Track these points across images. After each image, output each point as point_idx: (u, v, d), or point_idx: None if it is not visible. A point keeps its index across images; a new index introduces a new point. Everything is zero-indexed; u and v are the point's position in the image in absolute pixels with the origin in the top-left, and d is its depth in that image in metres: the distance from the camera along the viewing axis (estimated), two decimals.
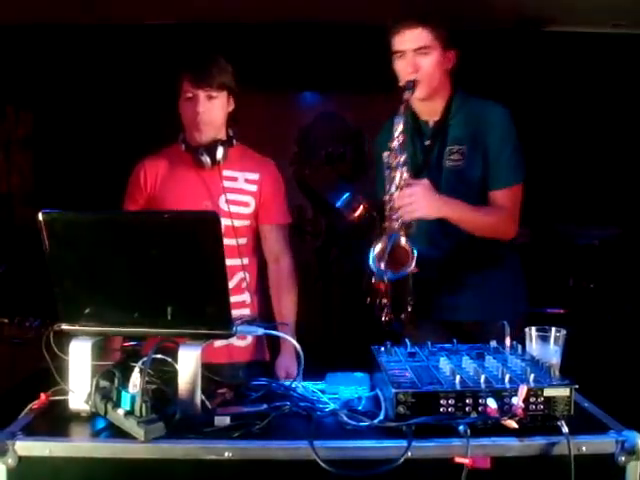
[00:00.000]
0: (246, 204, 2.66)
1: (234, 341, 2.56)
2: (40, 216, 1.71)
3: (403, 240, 2.45)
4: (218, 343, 2.44)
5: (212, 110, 2.55)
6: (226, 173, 2.63)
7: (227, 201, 2.59)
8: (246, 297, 2.66)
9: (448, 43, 2.63)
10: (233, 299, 2.37)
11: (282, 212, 2.76)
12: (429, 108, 2.69)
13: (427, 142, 2.69)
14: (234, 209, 2.61)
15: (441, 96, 2.67)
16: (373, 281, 2.49)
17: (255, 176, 2.69)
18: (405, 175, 2.47)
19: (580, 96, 4.96)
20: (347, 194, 4.95)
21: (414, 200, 2.41)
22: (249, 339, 2.64)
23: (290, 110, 5.58)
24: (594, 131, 4.94)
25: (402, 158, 2.46)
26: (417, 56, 2.58)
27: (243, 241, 2.65)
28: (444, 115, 2.67)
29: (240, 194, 2.65)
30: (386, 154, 2.51)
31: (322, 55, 5.19)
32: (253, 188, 2.68)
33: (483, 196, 2.62)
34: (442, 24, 2.63)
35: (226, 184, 2.61)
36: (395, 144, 2.48)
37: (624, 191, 4.98)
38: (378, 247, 2.48)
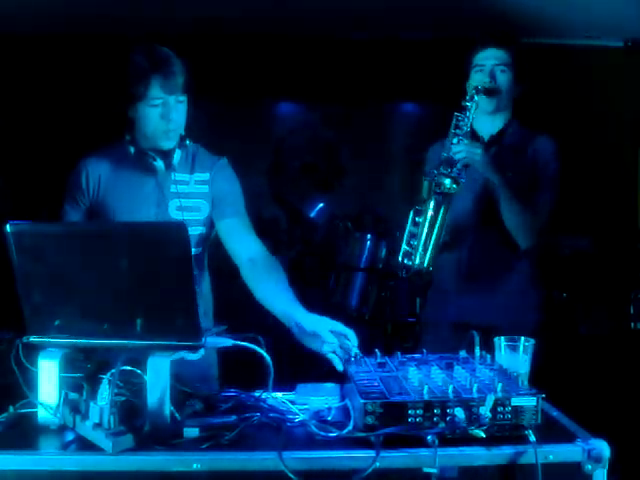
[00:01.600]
0: (198, 209, 2.50)
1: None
2: (8, 228, 1.70)
3: (448, 180, 2.73)
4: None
5: (181, 115, 2.42)
6: (176, 177, 2.48)
7: (180, 207, 2.45)
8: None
9: (521, 74, 2.94)
10: None
11: (239, 207, 2.55)
12: (489, 123, 2.97)
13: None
14: (186, 215, 2.45)
15: (503, 115, 2.96)
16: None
17: (205, 176, 2.53)
18: (468, 137, 2.80)
19: (552, 107, 4.99)
20: (321, 205, 4.99)
21: (475, 149, 2.75)
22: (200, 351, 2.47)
23: (265, 121, 5.58)
24: (567, 141, 4.97)
25: (469, 122, 2.79)
26: (496, 71, 2.87)
27: (197, 251, 2.50)
28: (501, 131, 2.96)
29: (191, 198, 2.50)
30: (457, 115, 2.81)
31: (298, 66, 5.20)
32: (204, 189, 2.52)
33: None
34: (520, 54, 2.95)
35: (177, 189, 2.47)
36: (468, 107, 2.80)
37: (595, 201, 5.02)
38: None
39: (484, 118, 2.94)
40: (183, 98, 2.40)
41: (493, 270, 2.90)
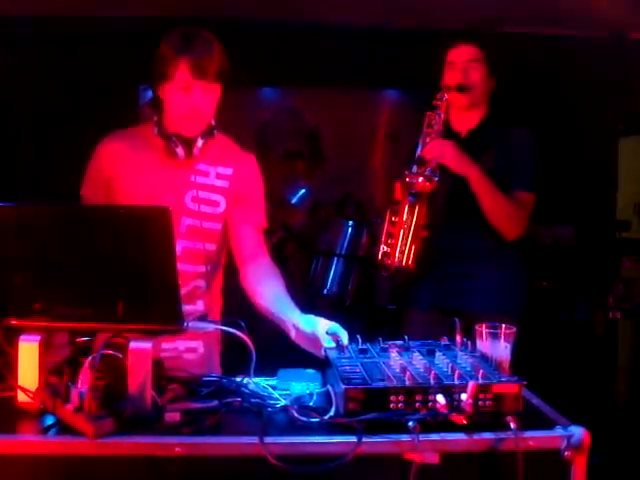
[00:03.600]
0: (215, 203, 2.39)
1: (183, 353, 2.36)
2: None
3: (421, 178, 2.79)
4: (167, 354, 2.23)
5: (208, 104, 2.27)
6: (198, 167, 2.37)
7: (196, 199, 2.35)
8: (198, 308, 2.38)
9: (493, 67, 2.99)
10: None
11: (257, 213, 2.45)
12: (466, 119, 3.01)
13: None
14: (203, 208, 2.36)
15: (479, 110, 3.01)
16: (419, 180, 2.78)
17: (228, 171, 2.41)
18: (440, 135, 2.86)
19: (532, 97, 5.01)
20: (303, 190, 4.97)
21: (445, 147, 2.81)
22: (199, 351, 2.40)
23: (248, 105, 5.54)
24: (547, 131, 4.99)
25: (441, 120, 2.86)
26: (468, 67, 2.92)
27: (210, 247, 2.39)
28: (478, 126, 3.00)
29: (210, 191, 2.38)
30: (428, 113, 2.88)
31: (281, 51, 5.17)
32: (224, 184, 2.40)
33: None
34: (491, 48, 3.01)
35: (196, 179, 2.36)
36: (440, 103, 2.86)
37: (575, 191, 5.05)
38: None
39: (460, 114, 2.99)
40: (215, 87, 2.27)
41: (476, 257, 2.92)
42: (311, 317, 2.10)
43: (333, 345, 1.98)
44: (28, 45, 5.02)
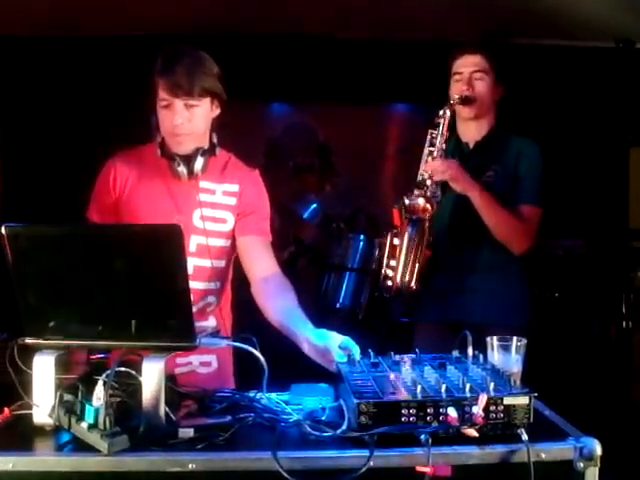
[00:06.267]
0: (223, 220, 2.42)
1: (197, 368, 2.41)
2: (3, 230, 1.70)
3: (421, 200, 2.78)
4: (181, 369, 2.31)
5: (192, 120, 2.29)
6: (203, 185, 2.39)
7: (202, 217, 2.37)
8: (210, 324, 2.44)
9: (500, 77, 2.96)
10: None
11: (262, 225, 2.48)
12: (473, 129, 3.00)
13: (465, 160, 2.94)
14: (209, 226, 2.39)
15: (486, 120, 2.99)
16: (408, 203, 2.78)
17: (234, 188, 2.44)
18: (442, 153, 2.86)
19: (542, 108, 5.01)
20: (314, 205, 4.98)
21: (448, 166, 2.80)
22: (213, 365, 2.45)
23: (259, 121, 5.58)
24: (557, 142, 5.00)
25: (444, 138, 2.86)
26: (473, 78, 2.90)
27: (219, 264, 2.44)
28: (485, 138, 2.98)
29: (217, 209, 2.41)
30: (430, 131, 2.87)
31: (291, 67, 5.20)
32: (231, 201, 2.43)
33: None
34: (498, 57, 2.99)
35: (202, 197, 2.38)
36: (441, 122, 2.86)
37: (587, 202, 5.04)
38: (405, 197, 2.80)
39: (467, 125, 3.00)
40: (196, 103, 2.28)
41: (484, 270, 2.92)
42: (323, 331, 2.10)
43: (345, 359, 1.99)
44: (34, 65, 5.08)
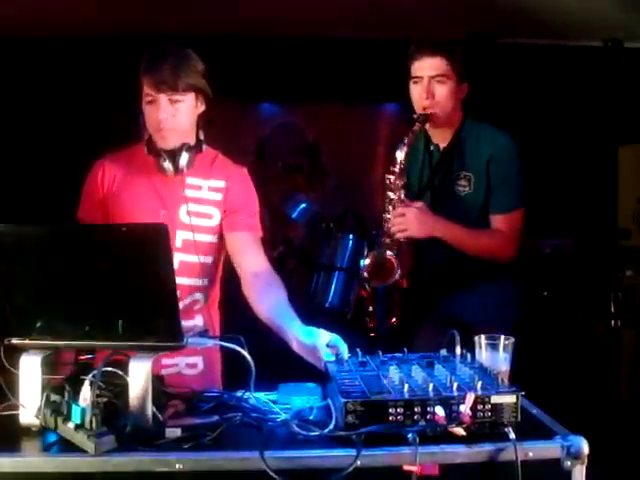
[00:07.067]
0: (209, 216, 2.44)
1: (183, 369, 2.41)
2: None
3: (390, 253, 2.71)
4: (168, 370, 2.30)
5: (176, 115, 2.31)
6: (189, 181, 2.41)
7: (188, 212, 2.39)
8: (198, 322, 2.44)
9: (463, 75, 2.78)
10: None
11: (252, 221, 2.49)
12: (440, 134, 2.85)
13: (435, 166, 2.85)
14: (196, 221, 2.40)
15: (452, 123, 2.83)
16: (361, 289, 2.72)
17: (220, 184, 2.46)
18: (402, 197, 2.74)
19: (530, 107, 5.03)
20: (303, 205, 4.98)
21: (405, 220, 2.68)
22: (200, 367, 2.45)
23: (248, 121, 5.57)
24: (546, 141, 5.02)
25: (401, 182, 2.73)
26: (433, 83, 2.72)
27: (206, 260, 2.45)
28: (453, 142, 2.83)
29: (203, 204, 2.43)
30: (388, 176, 2.74)
31: (280, 67, 5.20)
32: (217, 197, 2.45)
33: (485, 219, 2.80)
34: (460, 55, 2.79)
35: (188, 193, 2.40)
36: (397, 169, 2.72)
37: (576, 200, 5.06)
38: (367, 260, 2.75)
39: (433, 131, 2.86)
40: (181, 98, 2.31)
41: (473, 270, 2.86)
42: (312, 329, 2.10)
43: (333, 358, 1.99)
44: (27, 66, 5.06)
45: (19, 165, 5.04)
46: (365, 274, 2.71)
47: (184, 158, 2.36)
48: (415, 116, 2.76)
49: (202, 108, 2.42)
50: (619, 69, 5.08)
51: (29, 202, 4.73)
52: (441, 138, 2.87)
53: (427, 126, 2.82)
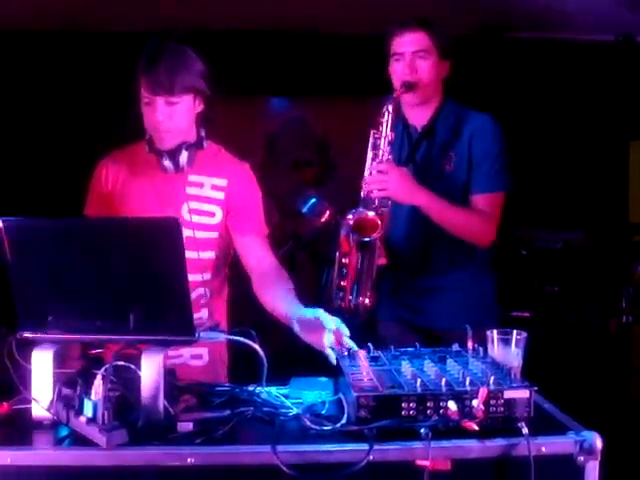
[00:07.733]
0: (211, 214, 2.45)
1: (188, 360, 2.40)
2: (0, 223, 1.70)
3: (371, 213, 2.50)
4: (173, 361, 2.21)
5: (173, 117, 2.31)
6: (192, 178, 2.42)
7: (190, 210, 2.40)
8: (203, 314, 2.45)
9: (445, 52, 2.69)
10: None
11: (257, 222, 2.50)
12: (419, 114, 2.75)
13: (414, 143, 2.75)
14: (197, 219, 2.42)
15: (432, 102, 2.75)
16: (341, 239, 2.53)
17: (223, 182, 2.46)
18: (387, 156, 2.57)
19: (542, 101, 5.01)
20: (313, 200, 4.97)
21: (386, 179, 2.51)
22: (205, 358, 2.46)
23: (257, 115, 5.57)
24: (557, 135, 5.00)
25: (387, 139, 2.57)
26: (416, 59, 2.65)
27: (208, 255, 2.45)
28: (432, 121, 2.74)
29: (204, 203, 2.44)
30: (372, 132, 2.60)
31: (290, 61, 5.19)
32: (220, 196, 2.45)
33: (466, 201, 2.69)
34: (442, 32, 2.69)
35: (190, 191, 2.42)
36: (383, 122, 2.58)
37: (586, 195, 5.04)
38: (349, 215, 2.52)
39: (412, 111, 2.77)
40: (177, 100, 2.30)
41: (443, 271, 2.76)
42: (314, 309, 2.09)
43: (332, 341, 1.99)
44: (30, 62, 5.06)
45: (22, 164, 5.04)
46: (351, 222, 2.51)
47: (184, 156, 2.37)
48: (399, 84, 2.66)
49: (200, 107, 2.42)
50: (631, 64, 5.05)
51: (31, 201, 4.72)
52: (419, 118, 2.77)
53: (406, 107, 2.76)
